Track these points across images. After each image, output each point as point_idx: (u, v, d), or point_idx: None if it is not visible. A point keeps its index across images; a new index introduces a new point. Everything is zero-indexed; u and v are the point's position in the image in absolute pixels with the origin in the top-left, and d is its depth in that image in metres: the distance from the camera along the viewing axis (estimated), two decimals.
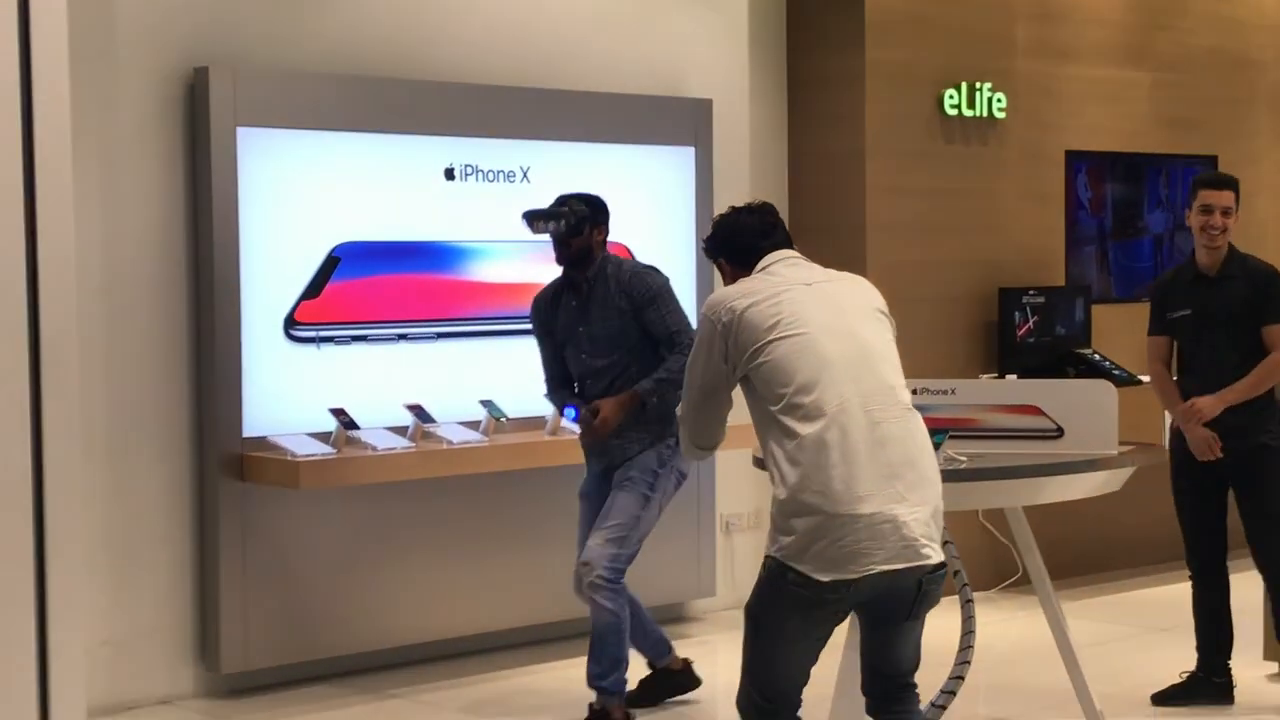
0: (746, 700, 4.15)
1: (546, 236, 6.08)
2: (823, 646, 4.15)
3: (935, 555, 4.05)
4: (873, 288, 4.35)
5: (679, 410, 4.37)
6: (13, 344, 3.98)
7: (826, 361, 4.05)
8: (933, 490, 4.11)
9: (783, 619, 4.06)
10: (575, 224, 6.02)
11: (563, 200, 6.10)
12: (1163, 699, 6.34)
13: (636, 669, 6.35)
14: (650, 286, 6.04)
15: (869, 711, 4.29)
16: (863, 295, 4.30)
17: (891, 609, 4.09)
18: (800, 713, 4.24)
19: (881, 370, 4.12)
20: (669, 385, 5.89)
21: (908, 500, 4.01)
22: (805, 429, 4.00)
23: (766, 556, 4.07)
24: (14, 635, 4.00)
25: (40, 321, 4.02)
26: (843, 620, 4.15)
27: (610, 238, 7.24)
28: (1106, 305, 9.18)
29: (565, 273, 6.13)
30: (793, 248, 4.40)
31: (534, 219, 6.05)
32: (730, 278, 4.38)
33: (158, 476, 6.54)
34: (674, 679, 6.46)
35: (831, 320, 4.13)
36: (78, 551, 4.14)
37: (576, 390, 6.18)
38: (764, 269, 4.30)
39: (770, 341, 4.09)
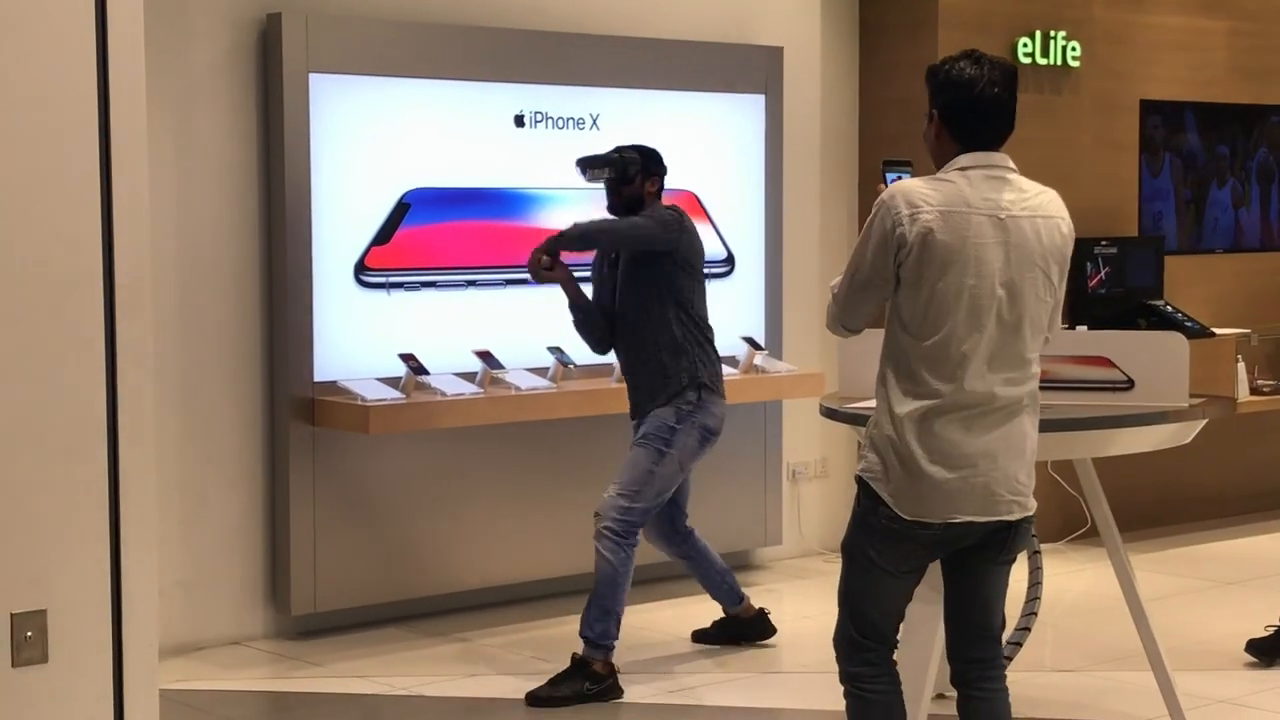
0: (841, 635, 4.13)
1: (601, 184, 6.10)
2: (916, 583, 4.13)
3: (1020, 511, 4.03)
4: (1064, 224, 4.06)
5: (832, 285, 4.20)
6: (88, 289, 4.02)
7: (982, 323, 3.93)
8: (1029, 447, 4.05)
9: (875, 552, 4.04)
10: (626, 172, 6.03)
11: (618, 149, 6.14)
12: (1255, 649, 6.28)
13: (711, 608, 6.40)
14: (656, 210, 6.02)
15: (954, 681, 4.21)
16: (1048, 239, 4.01)
17: (984, 546, 4.06)
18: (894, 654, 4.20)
19: (1026, 336, 3.99)
20: (577, 236, 5.98)
21: (1000, 463, 3.97)
22: (933, 384, 3.94)
23: (858, 479, 4.06)
24: (88, 576, 4.06)
25: (115, 267, 4.05)
26: (935, 558, 4.11)
27: (680, 186, 7.24)
28: (1180, 256, 9.09)
29: None
30: (1002, 142, 4.06)
31: (586, 165, 6.08)
32: (934, 139, 4.07)
33: (229, 420, 6.61)
34: (744, 626, 6.53)
35: (1006, 273, 3.94)
36: (151, 494, 4.19)
37: (616, 343, 6.19)
38: (965, 169, 3.99)
39: (940, 279, 3.92)
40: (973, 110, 4.02)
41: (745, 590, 6.63)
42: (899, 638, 4.21)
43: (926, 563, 4.13)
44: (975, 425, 3.97)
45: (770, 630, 6.55)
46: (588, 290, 6.20)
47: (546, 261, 5.98)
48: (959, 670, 4.19)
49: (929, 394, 3.95)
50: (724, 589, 6.49)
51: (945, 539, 4.02)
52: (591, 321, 6.15)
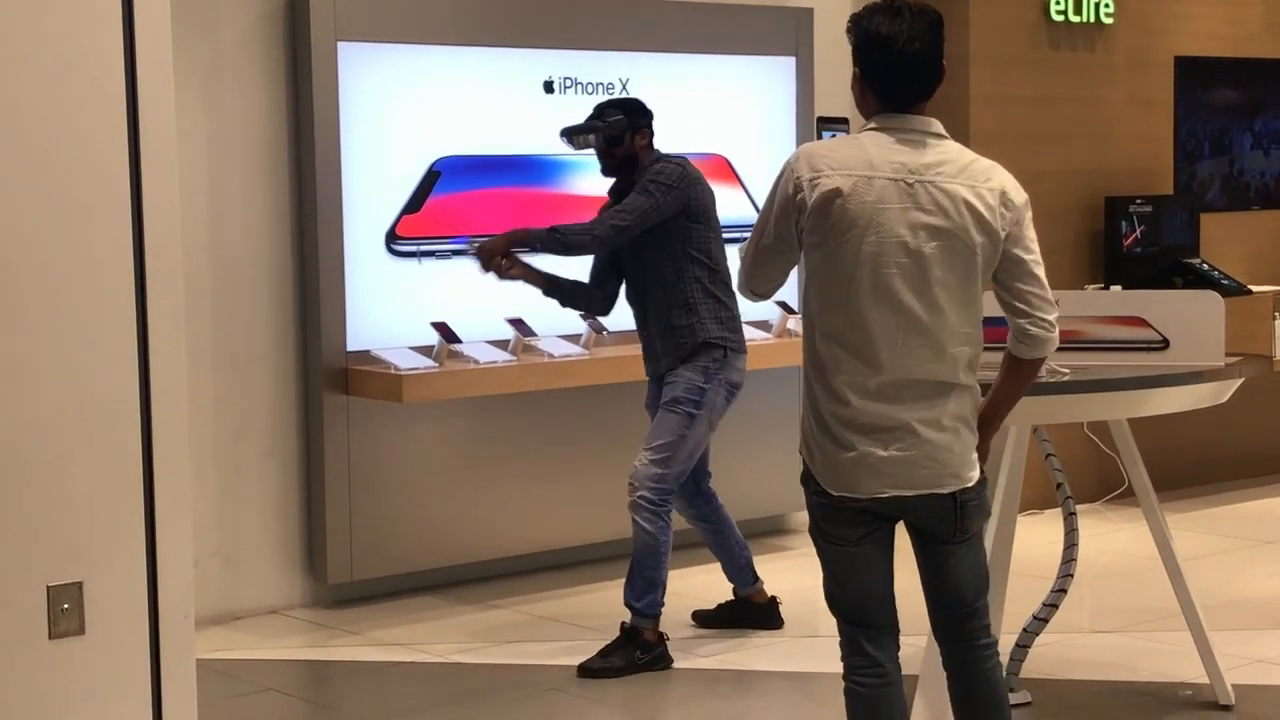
0: (837, 625, 4.00)
1: (591, 150, 5.94)
2: (878, 558, 3.91)
3: (955, 483, 3.82)
4: (989, 193, 3.81)
5: (740, 248, 4.11)
6: (119, 260, 4.03)
7: (888, 291, 3.75)
8: (964, 414, 3.84)
9: (822, 529, 3.92)
10: (613, 134, 5.85)
11: (600, 110, 5.95)
12: None
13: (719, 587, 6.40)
14: (648, 171, 5.80)
15: (944, 660, 4.04)
16: (969, 206, 3.77)
17: (933, 528, 3.89)
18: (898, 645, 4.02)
19: (946, 311, 3.78)
20: (555, 241, 5.72)
21: (925, 434, 3.78)
22: (844, 357, 3.79)
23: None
24: (124, 548, 4.07)
25: (145, 237, 4.06)
26: (880, 529, 3.89)
27: (710, 150, 7.21)
28: (1215, 214, 9.03)
29: (616, 183, 5.96)
30: (927, 98, 3.85)
31: (571, 135, 5.90)
32: (860, 98, 3.89)
33: (263, 391, 6.63)
34: (753, 611, 6.31)
35: (913, 240, 3.75)
36: (185, 464, 4.20)
37: (629, 294, 6.01)
38: (880, 129, 3.83)
39: (841, 245, 3.76)
40: (892, 70, 3.82)
41: (779, 555, 6.58)
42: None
43: (874, 533, 3.89)
44: (898, 396, 3.78)
45: (779, 621, 6.31)
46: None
47: (505, 265, 5.77)
48: (943, 649, 4.02)
49: (840, 368, 3.80)
50: (739, 565, 6.25)
51: (878, 512, 3.84)
52: (577, 295, 6.03)
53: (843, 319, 3.81)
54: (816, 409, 3.86)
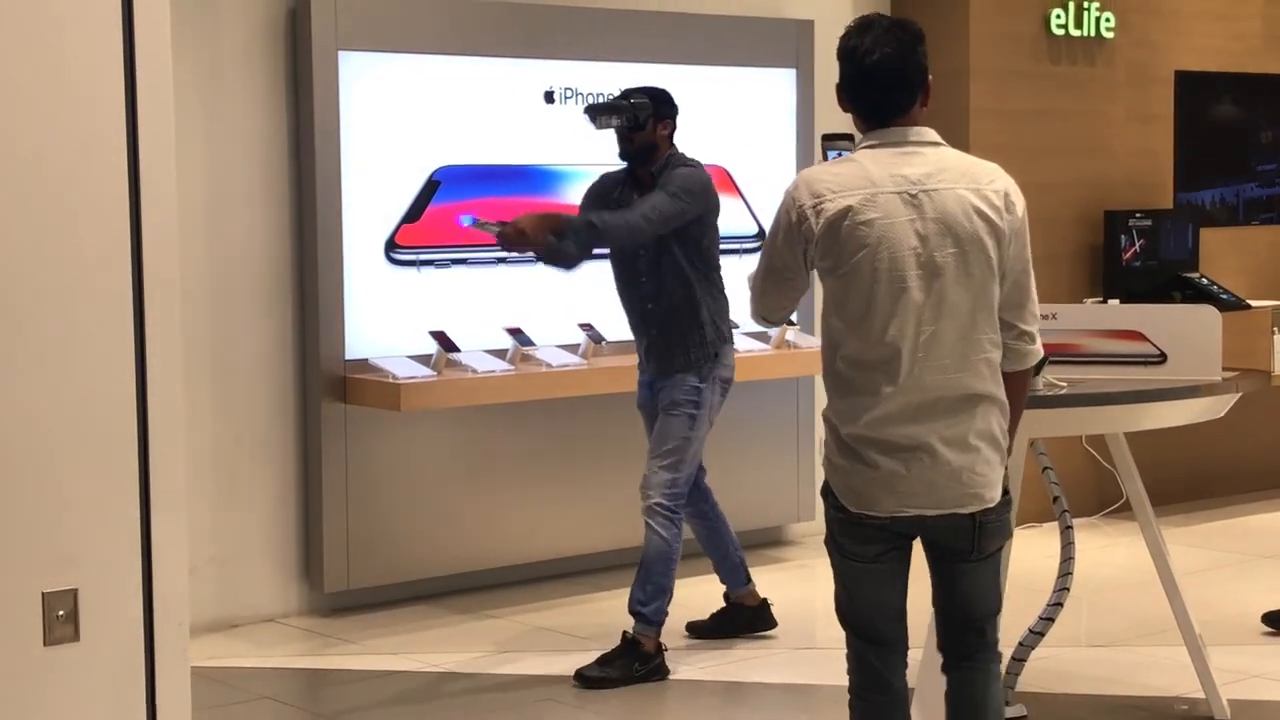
0: (846, 640, 4.00)
1: (611, 131, 5.90)
2: (894, 574, 3.90)
3: (976, 503, 3.79)
4: (993, 194, 3.81)
5: (748, 275, 4.11)
6: (116, 266, 4.03)
7: (905, 305, 3.73)
8: (990, 432, 3.81)
9: (839, 543, 3.91)
10: (637, 118, 5.84)
11: (627, 93, 5.95)
12: (1273, 620, 6.28)
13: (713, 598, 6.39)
14: (674, 176, 5.79)
15: (944, 670, 4.01)
16: (976, 211, 3.77)
17: (950, 545, 3.87)
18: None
19: (965, 319, 3.76)
20: (593, 231, 5.69)
21: (948, 453, 3.75)
22: (864, 374, 3.77)
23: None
24: (119, 555, 4.07)
25: (143, 243, 4.06)
26: (898, 546, 3.88)
27: (711, 160, 7.21)
28: (1215, 229, 9.03)
29: (629, 168, 5.96)
30: (909, 109, 3.85)
31: (596, 113, 5.87)
32: (844, 109, 3.92)
33: (262, 399, 6.63)
34: (746, 615, 6.31)
35: (924, 252, 3.73)
36: (181, 472, 4.19)
37: (631, 296, 5.96)
38: (872, 146, 3.83)
39: (853, 265, 3.75)
40: (864, 82, 3.86)
41: (775, 566, 6.59)
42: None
43: (892, 550, 3.88)
44: (922, 414, 3.76)
45: (771, 622, 6.33)
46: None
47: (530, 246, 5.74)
48: (945, 658, 4.00)
49: (863, 389, 3.77)
50: (733, 564, 6.25)
51: (897, 529, 3.83)
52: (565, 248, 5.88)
53: (863, 340, 3.78)
54: (837, 429, 3.84)
